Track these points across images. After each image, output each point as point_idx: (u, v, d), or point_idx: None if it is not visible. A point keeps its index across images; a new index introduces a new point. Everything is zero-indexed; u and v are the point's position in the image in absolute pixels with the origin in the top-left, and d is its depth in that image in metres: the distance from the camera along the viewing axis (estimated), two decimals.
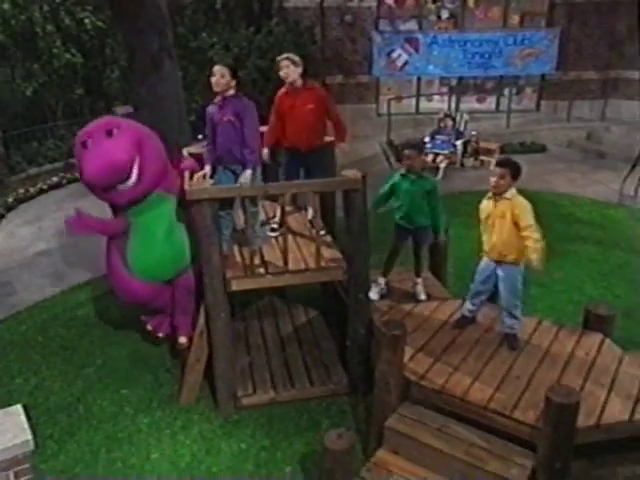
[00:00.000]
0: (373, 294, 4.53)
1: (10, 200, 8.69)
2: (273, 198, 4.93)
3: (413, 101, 12.39)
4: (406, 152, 4.47)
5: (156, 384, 4.53)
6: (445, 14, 11.96)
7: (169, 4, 9.12)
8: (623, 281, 6.07)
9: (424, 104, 12.48)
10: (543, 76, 12.03)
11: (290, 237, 4.54)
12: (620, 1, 11.39)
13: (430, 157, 9.82)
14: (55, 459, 3.86)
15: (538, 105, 12.36)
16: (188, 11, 10.23)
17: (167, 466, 3.82)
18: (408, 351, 3.84)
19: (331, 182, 4.14)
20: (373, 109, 12.09)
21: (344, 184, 3.96)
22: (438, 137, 10.27)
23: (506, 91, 11.83)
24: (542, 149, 11.04)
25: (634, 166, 8.49)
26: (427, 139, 10.26)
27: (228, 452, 3.92)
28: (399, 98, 12.04)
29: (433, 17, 12.07)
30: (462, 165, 10.09)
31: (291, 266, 4.08)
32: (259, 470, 3.78)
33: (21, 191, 8.99)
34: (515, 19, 11.97)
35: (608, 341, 3.97)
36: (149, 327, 4.50)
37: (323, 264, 4.13)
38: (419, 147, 4.90)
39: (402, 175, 4.51)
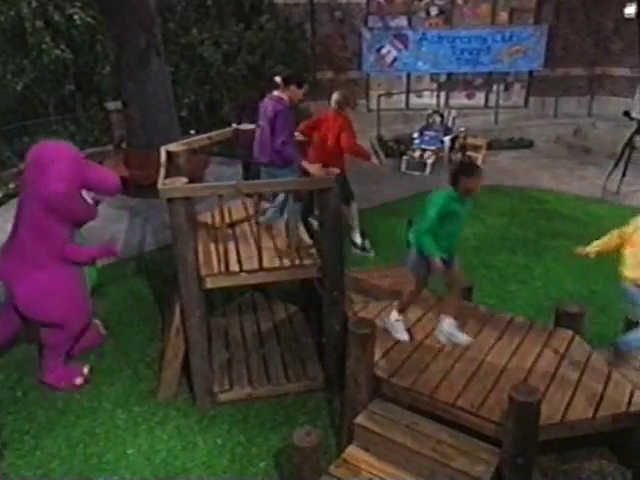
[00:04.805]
0: (402, 334, 3.96)
1: (0, 195, 8.63)
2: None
3: (403, 97, 12.33)
4: (473, 173, 3.74)
5: (135, 379, 4.51)
6: (434, 11, 11.89)
7: (159, 2, 9.08)
8: (601, 277, 6.03)
9: (414, 100, 12.43)
10: (531, 72, 11.97)
11: (268, 234, 4.53)
12: None
13: (418, 153, 9.79)
14: (31, 455, 3.85)
15: (526, 101, 12.32)
16: (179, 8, 10.15)
17: (143, 461, 3.81)
18: (380, 349, 3.83)
19: (303, 181, 4.10)
20: (363, 105, 12.03)
21: (317, 183, 3.93)
22: (426, 133, 10.22)
23: (494, 87, 11.77)
24: (530, 145, 11.01)
25: (617, 163, 8.46)
26: (416, 135, 10.21)
27: (204, 447, 3.90)
28: (389, 94, 11.98)
29: (422, 14, 12.00)
30: (450, 161, 10.03)
31: (266, 264, 4.05)
32: (233, 465, 3.77)
33: (12, 186, 8.92)
34: (503, 16, 11.90)
35: (577, 338, 3.96)
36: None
37: (297, 262, 4.11)
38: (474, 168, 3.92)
39: (453, 197, 3.73)
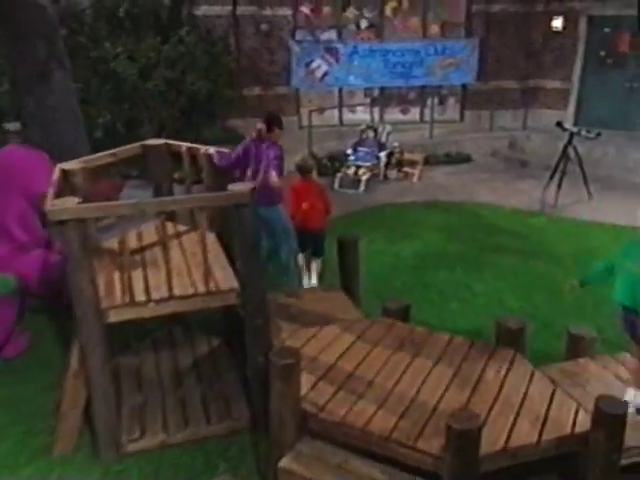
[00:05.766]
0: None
1: None
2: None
3: (336, 113, 12.39)
4: None
5: (28, 435, 4.08)
6: (364, 23, 12.08)
7: (62, 9, 8.72)
8: (543, 292, 6.14)
9: (348, 116, 12.50)
10: (464, 86, 12.33)
11: (182, 259, 4.28)
12: (534, 11, 11.87)
13: (352, 170, 9.80)
14: None
15: (462, 115, 12.64)
16: (88, 19, 9.81)
17: None
18: (308, 380, 3.64)
19: (217, 196, 3.90)
20: (294, 121, 11.96)
21: (231, 198, 3.73)
22: (360, 149, 10.28)
23: (429, 101, 12.02)
24: (467, 159, 11.27)
25: (553, 175, 8.75)
26: (349, 151, 10.24)
27: None
28: (321, 110, 12.01)
29: (353, 27, 12.17)
30: (385, 177, 10.11)
31: (177, 291, 3.80)
32: None
33: None
34: (435, 29, 12.25)
35: (519, 357, 3.91)
36: None
37: (213, 288, 3.87)
38: None
39: None
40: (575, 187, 8.85)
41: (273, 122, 4.85)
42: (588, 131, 8.71)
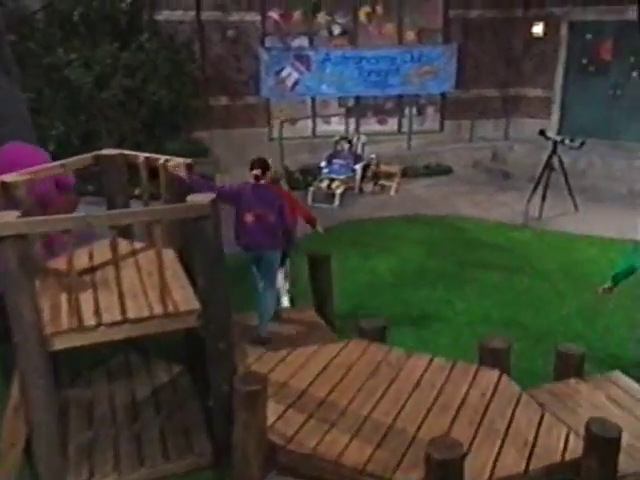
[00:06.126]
0: None
1: None
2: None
3: (309, 124, 12.39)
4: None
5: None
6: (337, 30, 12.15)
7: (9, 13, 8.57)
8: (529, 308, 6.12)
9: (321, 127, 12.50)
10: (443, 94, 12.44)
11: (137, 279, 4.14)
12: (513, 16, 12.08)
13: (325, 183, 9.76)
14: None
15: (441, 125, 12.75)
16: (39, 24, 9.67)
17: None
18: (276, 409, 3.52)
19: (174, 209, 3.78)
20: (264, 133, 11.95)
21: (191, 210, 3.62)
22: (335, 161, 10.26)
23: (407, 111, 12.10)
24: (448, 171, 11.33)
25: (536, 186, 8.81)
26: (323, 164, 10.22)
27: None
28: (292, 120, 11.99)
29: (325, 33, 12.23)
30: (361, 190, 10.09)
31: (131, 314, 3.65)
32: None
33: None
34: (411, 35, 12.37)
35: (505, 378, 3.85)
36: None
37: (171, 309, 3.73)
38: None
39: None
40: (560, 198, 8.93)
41: (265, 166, 5.09)
42: (572, 140, 8.82)
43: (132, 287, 3.94)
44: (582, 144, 8.77)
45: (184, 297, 3.90)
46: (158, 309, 3.72)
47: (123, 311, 3.64)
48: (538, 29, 11.95)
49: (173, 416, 4.32)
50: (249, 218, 4.86)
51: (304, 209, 6.11)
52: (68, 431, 4.09)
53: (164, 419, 4.28)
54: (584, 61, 11.82)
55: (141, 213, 3.69)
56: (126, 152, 4.78)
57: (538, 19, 11.95)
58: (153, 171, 4.71)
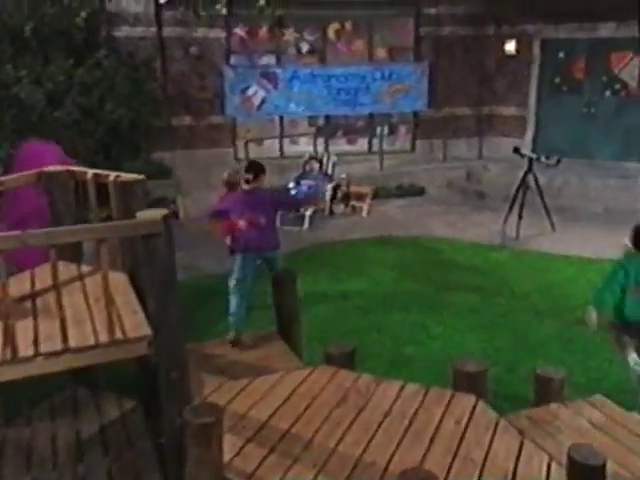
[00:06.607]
0: None
1: None
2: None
3: (277, 144, 12.34)
4: None
5: None
6: (305, 47, 12.21)
7: None
8: (506, 332, 6.07)
9: (290, 147, 12.48)
10: (415, 113, 12.54)
11: (83, 304, 3.96)
12: (485, 34, 12.30)
13: None
14: None
15: (413, 145, 12.82)
16: None
17: None
18: (234, 443, 3.35)
19: (121, 226, 3.63)
20: (230, 153, 11.86)
21: (139, 227, 3.47)
22: (304, 182, 10.22)
23: (378, 130, 12.14)
24: (421, 191, 11.36)
25: (512, 205, 8.85)
26: (292, 185, 10.15)
27: None
28: (259, 140, 11.94)
29: (293, 51, 12.27)
30: (332, 212, 10.03)
31: (73, 342, 3.46)
32: None
33: None
34: (382, 53, 12.49)
35: (481, 404, 3.73)
36: None
37: (120, 336, 3.55)
38: None
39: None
40: (537, 218, 8.98)
41: (258, 170, 5.44)
42: (547, 157, 8.91)
43: (77, 313, 3.76)
44: (558, 162, 8.87)
45: (134, 323, 3.72)
46: (104, 336, 3.54)
47: (64, 339, 3.45)
48: (511, 47, 12.17)
49: (122, 456, 4.11)
50: (242, 224, 5.23)
51: None
52: (3, 475, 3.84)
53: (112, 460, 4.06)
54: (557, 80, 12.07)
55: (83, 231, 3.52)
56: (73, 168, 4.63)
57: (510, 37, 12.19)
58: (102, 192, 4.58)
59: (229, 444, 3.29)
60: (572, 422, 3.84)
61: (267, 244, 5.35)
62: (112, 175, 4.45)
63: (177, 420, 3.66)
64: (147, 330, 3.64)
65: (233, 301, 5.20)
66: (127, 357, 3.76)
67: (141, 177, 4.40)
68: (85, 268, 4.50)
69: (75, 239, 3.59)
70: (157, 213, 3.54)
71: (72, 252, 4.59)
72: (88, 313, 3.86)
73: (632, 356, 4.42)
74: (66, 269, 4.46)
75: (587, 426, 3.80)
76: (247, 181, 5.32)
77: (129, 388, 4.82)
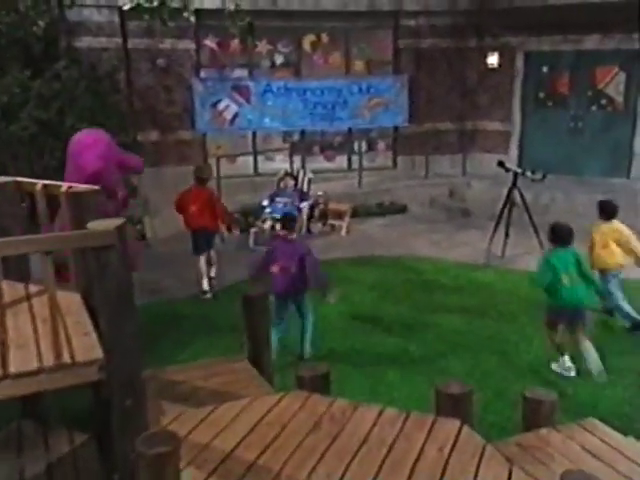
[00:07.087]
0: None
1: None
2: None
3: (250, 161, 12.26)
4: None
5: None
6: (280, 59, 12.20)
7: None
8: (494, 354, 5.99)
9: (264, 164, 12.42)
10: (396, 128, 12.56)
11: (29, 327, 3.77)
12: (467, 46, 12.41)
13: (268, 224, 9.55)
14: None
15: (394, 161, 12.83)
16: None
17: None
18: (196, 477, 3.16)
19: (69, 237, 3.47)
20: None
21: (90, 239, 3.32)
22: (279, 200, 10.10)
23: (356, 146, 12.12)
24: (402, 209, 11.32)
25: (498, 223, 8.81)
26: (266, 203, 10.03)
27: None
28: (231, 157, 11.84)
29: (267, 63, 12.25)
30: (309, 231, 9.94)
31: (13, 367, 3.27)
32: None
33: None
34: (359, 65, 12.53)
35: (466, 429, 3.59)
36: None
37: (67, 360, 3.37)
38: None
39: None
40: (524, 236, 8.92)
41: (294, 223, 6.32)
42: (533, 172, 8.91)
43: (20, 336, 3.59)
44: (544, 176, 8.87)
45: (84, 345, 3.55)
46: (49, 360, 3.36)
47: (3, 364, 3.26)
48: (493, 59, 12.30)
49: None
50: (275, 269, 5.82)
51: (222, 212, 7.77)
52: None
53: None
54: (541, 95, 12.19)
55: (25, 243, 3.34)
56: (20, 179, 4.46)
57: (493, 49, 12.32)
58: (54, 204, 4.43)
59: (189, 478, 3.11)
60: (564, 447, 3.72)
61: (294, 289, 5.87)
62: (64, 186, 4.31)
63: (131, 453, 3.48)
64: (98, 353, 3.47)
65: (273, 337, 5.46)
66: (76, 383, 3.57)
67: (95, 187, 4.26)
68: (33, 288, 4.33)
69: (18, 251, 3.43)
70: (110, 223, 3.40)
71: (18, 270, 4.43)
72: (34, 336, 3.69)
73: (564, 358, 5.52)
74: (11, 289, 4.30)
75: (580, 451, 3.69)
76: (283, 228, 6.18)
77: (83, 421, 4.61)
